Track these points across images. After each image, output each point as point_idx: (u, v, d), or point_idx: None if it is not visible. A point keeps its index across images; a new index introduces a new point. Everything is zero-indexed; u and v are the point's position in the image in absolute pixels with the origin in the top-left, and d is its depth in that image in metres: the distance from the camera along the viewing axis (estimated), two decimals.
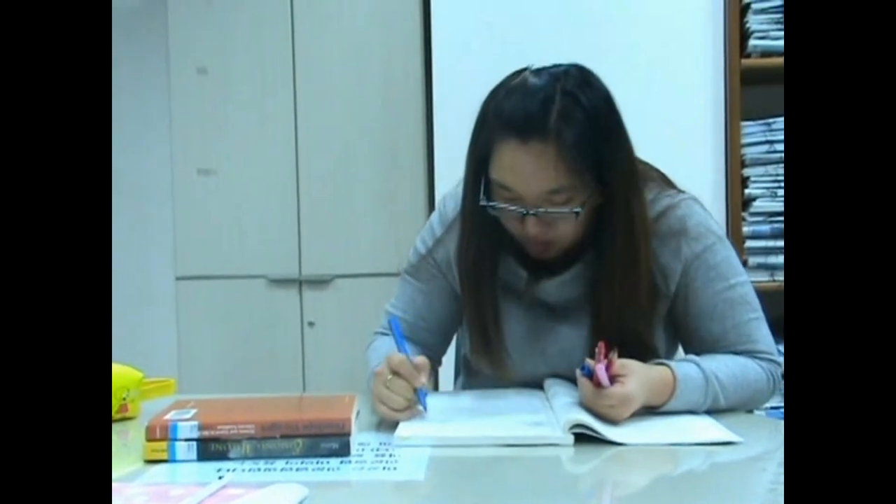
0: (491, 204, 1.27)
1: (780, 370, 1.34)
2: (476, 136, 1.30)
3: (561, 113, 1.21)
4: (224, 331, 2.89)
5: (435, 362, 1.49)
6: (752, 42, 2.40)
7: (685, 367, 1.24)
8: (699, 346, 1.34)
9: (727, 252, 1.35)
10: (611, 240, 1.28)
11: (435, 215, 1.47)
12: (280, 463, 1.03)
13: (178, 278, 2.91)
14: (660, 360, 1.27)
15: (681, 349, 1.45)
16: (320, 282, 2.85)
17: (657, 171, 1.41)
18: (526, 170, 1.22)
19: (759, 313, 1.35)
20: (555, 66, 1.28)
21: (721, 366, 1.27)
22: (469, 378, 1.56)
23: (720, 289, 1.33)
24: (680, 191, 1.39)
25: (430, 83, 2.61)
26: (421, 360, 1.24)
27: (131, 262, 3.22)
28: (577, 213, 1.24)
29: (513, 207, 1.26)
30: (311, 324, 2.86)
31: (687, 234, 1.32)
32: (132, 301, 3.20)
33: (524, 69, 1.29)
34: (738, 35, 2.41)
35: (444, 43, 2.54)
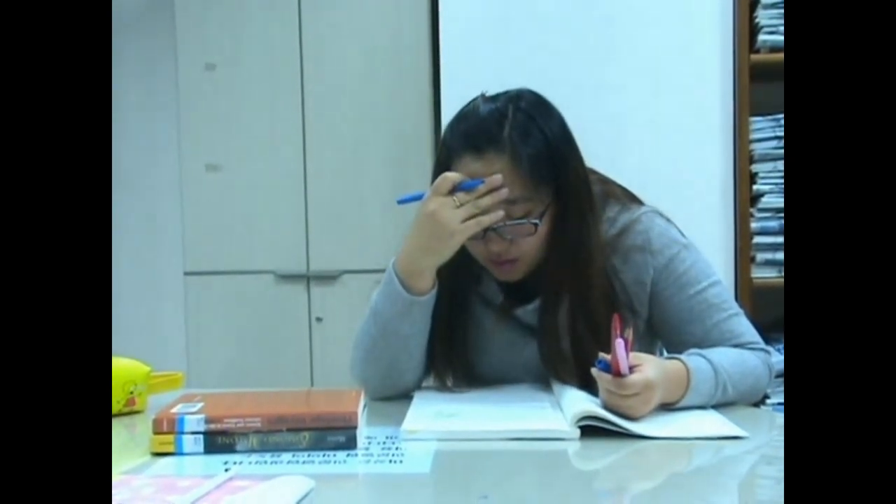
0: None
1: (771, 358, 1.35)
2: (436, 162, 1.34)
3: (514, 126, 1.26)
4: (232, 326, 2.89)
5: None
6: (762, 37, 2.39)
7: (695, 360, 1.24)
8: (684, 350, 1.32)
9: (694, 258, 1.36)
10: (564, 259, 1.30)
11: None
12: (287, 456, 1.04)
13: (186, 273, 2.92)
14: (670, 356, 1.27)
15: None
16: (328, 277, 2.86)
17: (619, 187, 1.42)
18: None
19: (738, 310, 1.36)
20: (504, 92, 1.33)
21: (724, 356, 1.27)
22: None
23: (693, 293, 1.34)
24: (641, 204, 1.40)
25: (437, 78, 2.60)
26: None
27: (140, 257, 3.23)
28: (535, 223, 1.27)
29: None
30: (318, 319, 2.86)
31: (651, 247, 1.34)
32: (141, 296, 3.21)
33: (477, 96, 1.34)
34: (747, 30, 2.40)
35: (451, 39, 2.53)
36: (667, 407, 1.20)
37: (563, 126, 1.32)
